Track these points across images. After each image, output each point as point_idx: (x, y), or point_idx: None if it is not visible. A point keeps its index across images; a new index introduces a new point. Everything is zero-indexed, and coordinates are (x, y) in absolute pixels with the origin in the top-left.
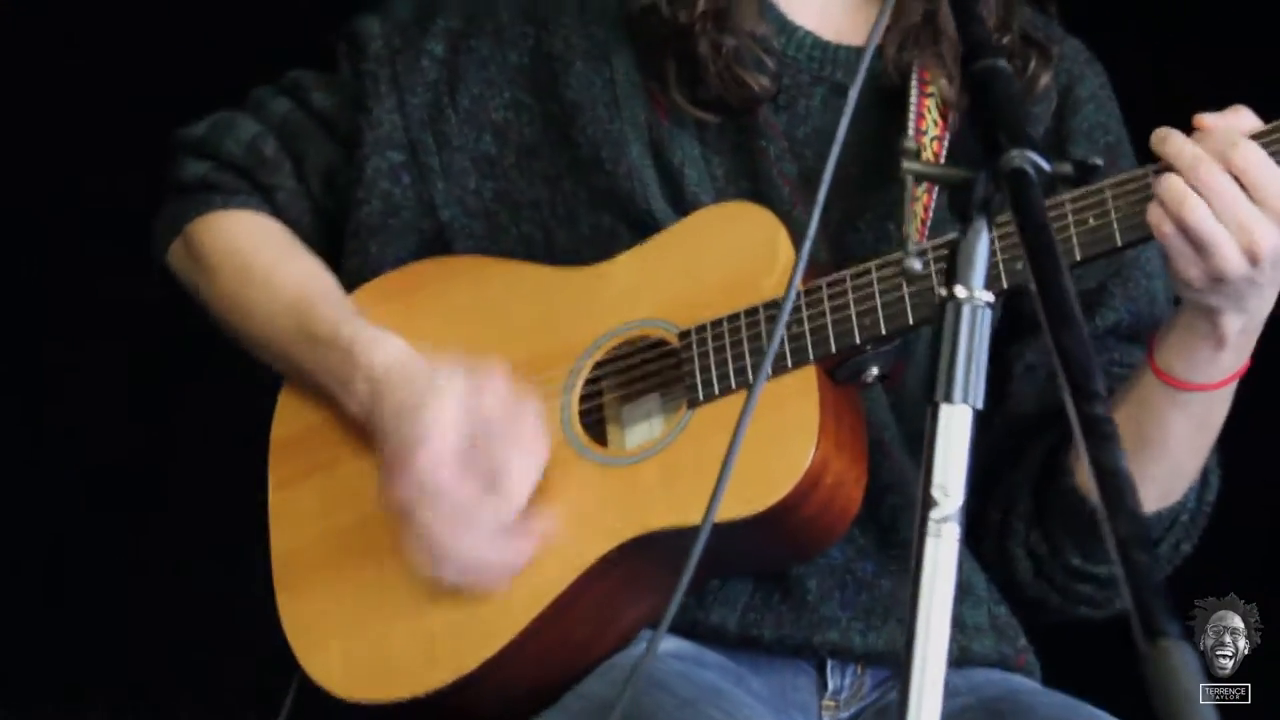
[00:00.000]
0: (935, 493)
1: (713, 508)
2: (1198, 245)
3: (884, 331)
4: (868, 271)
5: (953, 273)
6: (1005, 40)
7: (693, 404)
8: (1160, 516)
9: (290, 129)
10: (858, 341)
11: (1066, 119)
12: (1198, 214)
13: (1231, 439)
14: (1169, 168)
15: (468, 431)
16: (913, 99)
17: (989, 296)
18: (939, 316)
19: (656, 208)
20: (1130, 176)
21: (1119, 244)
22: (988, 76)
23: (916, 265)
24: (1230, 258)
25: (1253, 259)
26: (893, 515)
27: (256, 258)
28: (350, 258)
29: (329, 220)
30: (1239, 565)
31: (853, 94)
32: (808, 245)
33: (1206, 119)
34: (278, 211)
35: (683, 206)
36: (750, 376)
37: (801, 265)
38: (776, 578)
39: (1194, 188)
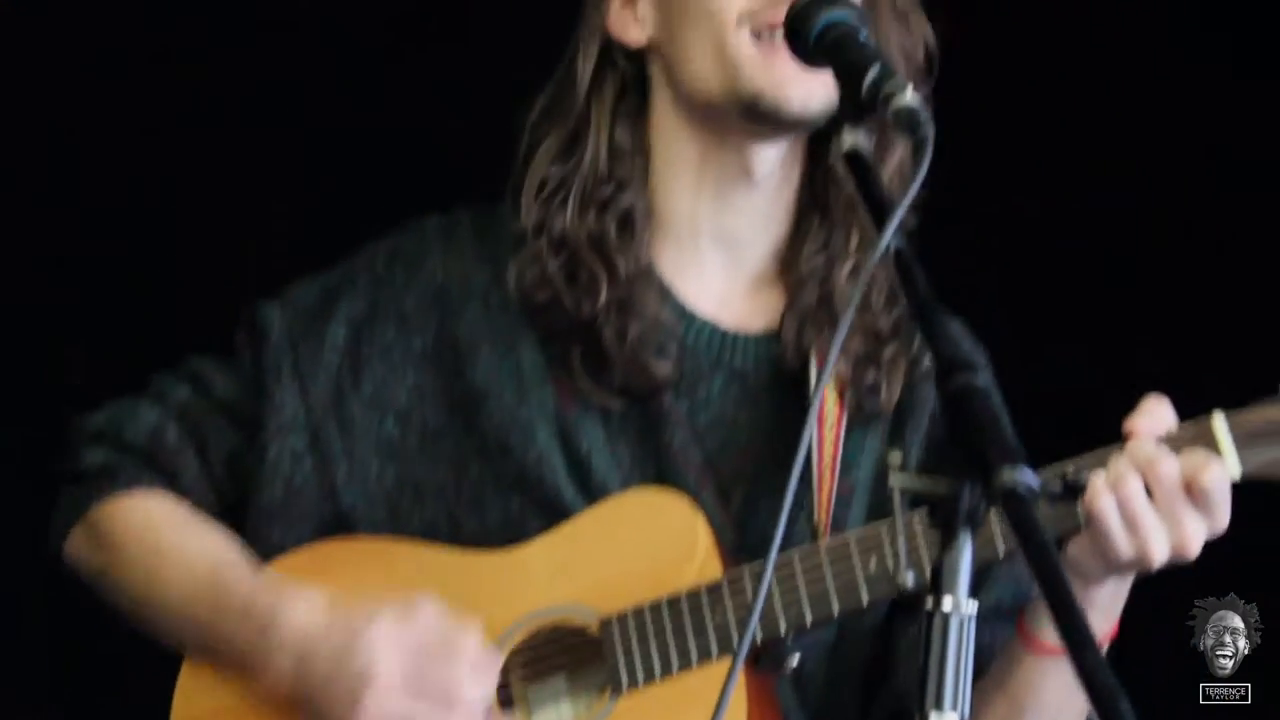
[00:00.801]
0: None
1: None
2: (1131, 527)
3: (809, 622)
4: (790, 563)
5: (939, 585)
6: (893, 317)
7: (615, 692)
8: None
9: (192, 416)
10: (782, 632)
11: None
12: (1140, 499)
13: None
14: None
15: (409, 662)
16: (812, 385)
17: (974, 607)
18: (924, 628)
19: (566, 494)
20: None
21: None
22: (965, 394)
23: (909, 581)
24: (1159, 548)
25: (1180, 554)
26: None
27: (165, 533)
28: (249, 545)
29: (231, 506)
30: (1239, 565)
31: (815, 403)
32: (784, 519)
33: (1140, 424)
34: (182, 495)
35: (590, 493)
36: (675, 666)
37: (779, 534)
38: None
39: (1146, 479)
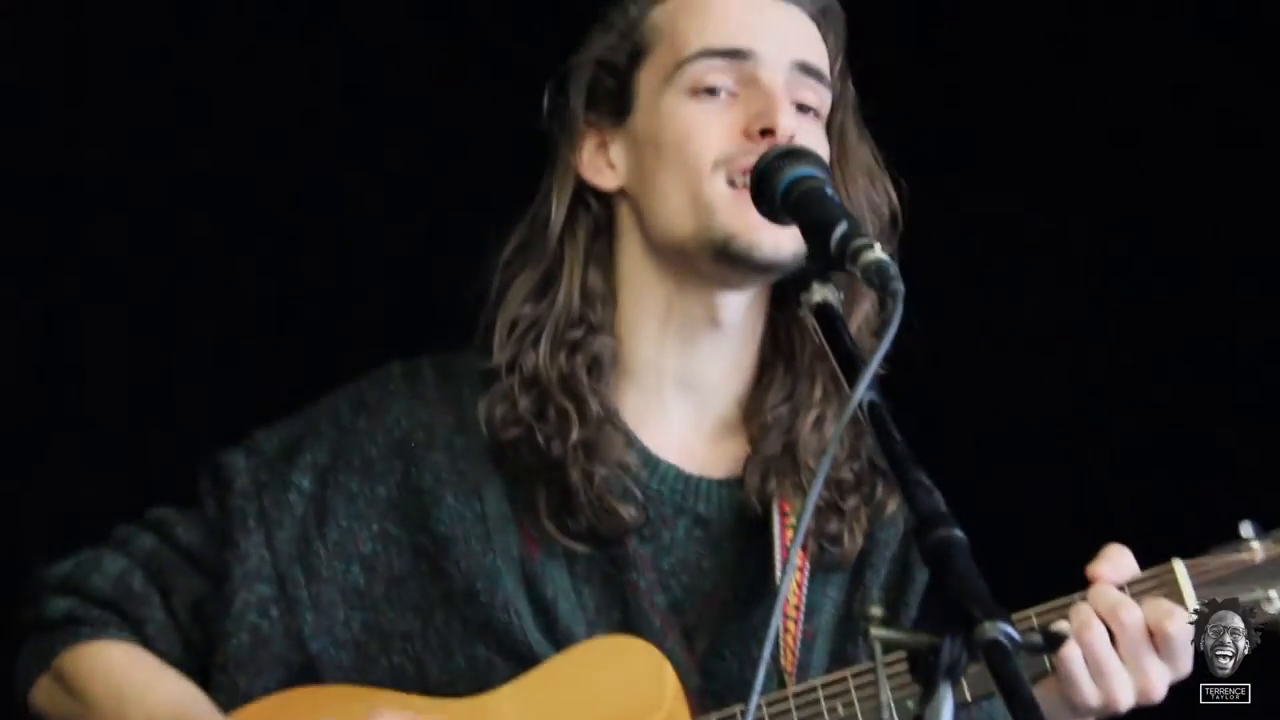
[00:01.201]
0: None
1: None
2: (1096, 674)
3: None
4: (758, 709)
5: None
6: (855, 468)
7: None
8: None
9: (157, 564)
10: None
11: (913, 545)
12: (1104, 646)
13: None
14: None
15: None
16: (775, 532)
17: None
18: None
19: (533, 639)
20: None
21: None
22: (945, 548)
23: None
24: (1124, 693)
25: (1145, 699)
26: None
27: (130, 680)
28: (216, 692)
29: (197, 653)
30: None
31: (795, 552)
32: (761, 671)
33: (1103, 570)
34: (147, 643)
35: (556, 638)
36: None
37: (757, 690)
38: None
39: (1109, 626)
